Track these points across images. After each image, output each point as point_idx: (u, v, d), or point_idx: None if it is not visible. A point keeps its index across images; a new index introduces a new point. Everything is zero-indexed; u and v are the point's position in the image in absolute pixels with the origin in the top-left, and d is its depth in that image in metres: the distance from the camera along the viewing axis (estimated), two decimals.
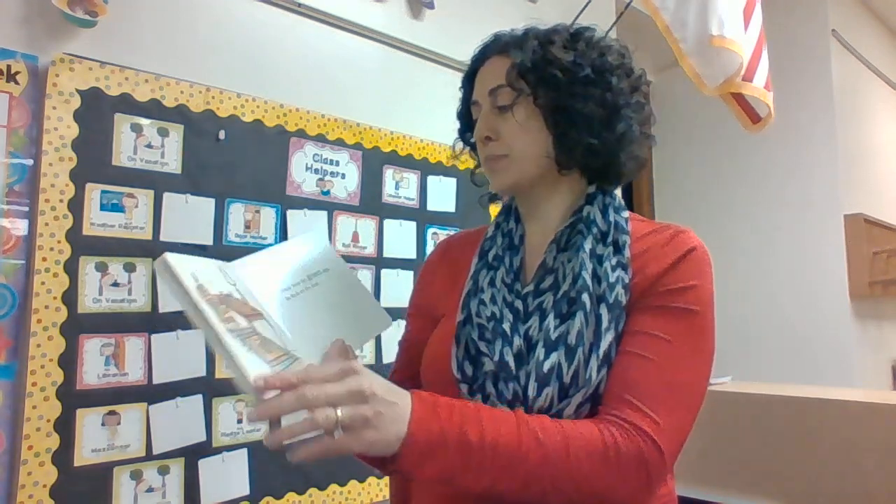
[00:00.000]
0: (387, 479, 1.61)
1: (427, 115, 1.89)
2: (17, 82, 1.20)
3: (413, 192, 1.83)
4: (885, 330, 3.32)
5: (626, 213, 0.85)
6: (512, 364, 0.75)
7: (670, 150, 3.57)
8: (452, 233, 1.00)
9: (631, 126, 0.82)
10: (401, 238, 1.79)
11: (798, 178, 3.16)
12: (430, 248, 1.84)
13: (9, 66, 1.19)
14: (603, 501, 0.69)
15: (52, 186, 1.21)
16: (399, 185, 1.80)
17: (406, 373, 0.94)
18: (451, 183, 1.91)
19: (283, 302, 0.80)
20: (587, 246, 0.79)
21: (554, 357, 0.73)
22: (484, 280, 0.84)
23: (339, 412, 0.59)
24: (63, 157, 1.23)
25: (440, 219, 1.88)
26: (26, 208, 1.20)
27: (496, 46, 0.85)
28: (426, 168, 1.86)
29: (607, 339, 0.73)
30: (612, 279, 0.76)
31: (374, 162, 1.75)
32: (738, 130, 2.12)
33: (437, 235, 1.86)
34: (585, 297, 0.74)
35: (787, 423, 1.60)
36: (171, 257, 0.67)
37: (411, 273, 1.78)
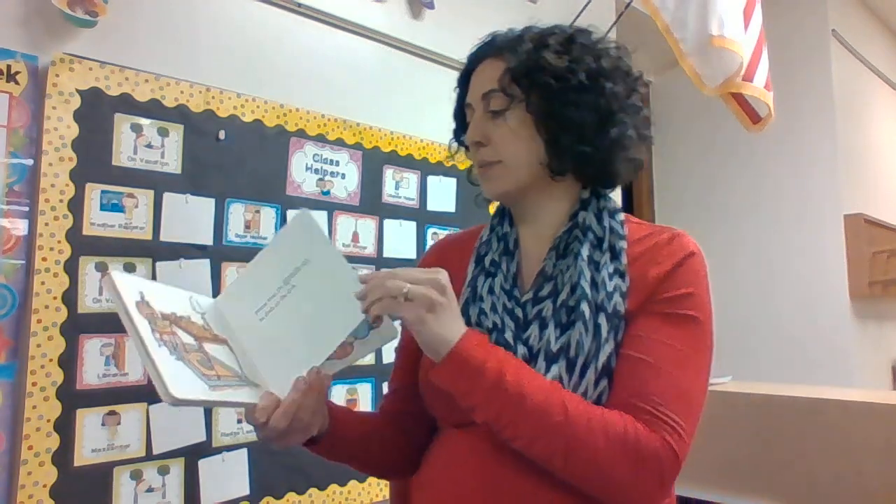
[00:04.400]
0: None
1: (427, 115, 1.88)
2: (17, 82, 1.20)
3: (413, 192, 1.83)
4: (885, 330, 3.32)
5: (622, 216, 0.84)
6: None
7: (670, 150, 3.57)
8: (452, 233, 0.99)
9: (626, 131, 0.82)
10: (401, 238, 1.79)
11: (798, 178, 3.16)
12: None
13: (9, 66, 1.19)
14: (611, 489, 0.69)
15: (52, 186, 1.21)
16: (399, 185, 1.80)
17: (404, 380, 0.92)
18: (451, 183, 1.91)
19: (257, 325, 0.80)
20: (584, 253, 0.78)
21: (555, 370, 0.73)
22: (482, 287, 0.83)
23: (407, 286, 0.68)
24: (63, 157, 1.23)
25: (440, 219, 1.88)
26: (26, 208, 1.20)
27: (491, 48, 0.85)
28: (426, 168, 1.86)
29: (606, 350, 0.73)
30: (609, 288, 0.76)
31: (374, 162, 1.75)
32: (739, 130, 2.12)
33: (437, 235, 1.86)
34: (584, 306, 0.74)
35: (787, 423, 1.60)
36: (118, 276, 0.72)
37: None
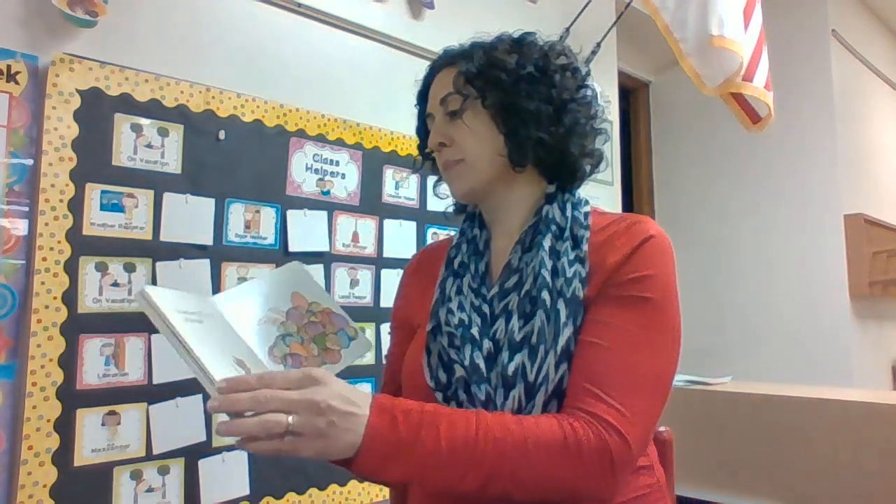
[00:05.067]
0: None
1: None
2: (17, 82, 1.20)
3: (413, 192, 1.83)
4: (885, 330, 3.33)
5: (587, 208, 0.86)
6: (483, 367, 0.76)
7: (670, 149, 3.57)
8: (453, 233, 1.00)
9: (578, 119, 0.85)
10: (401, 238, 1.79)
11: (798, 178, 3.16)
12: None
13: (9, 66, 1.19)
14: (568, 494, 0.69)
15: (52, 186, 1.21)
16: (399, 185, 1.80)
17: (393, 386, 0.95)
18: None
19: (254, 327, 0.87)
20: (546, 244, 0.80)
21: (518, 358, 0.74)
22: (451, 288, 0.85)
23: (290, 419, 0.62)
24: (63, 157, 1.23)
25: (440, 219, 1.87)
26: (26, 208, 1.20)
27: (444, 60, 0.90)
28: (426, 168, 1.85)
29: (565, 334, 0.74)
30: (569, 274, 0.77)
31: (374, 162, 1.75)
32: (738, 130, 2.12)
33: (437, 235, 1.86)
34: (545, 294, 0.76)
35: (787, 423, 1.60)
36: (151, 290, 0.72)
37: None
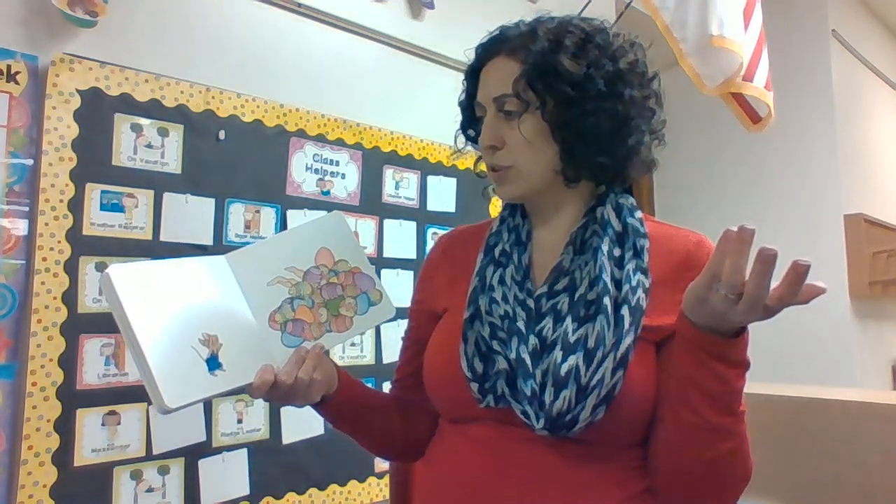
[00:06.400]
0: (386, 479, 1.61)
1: (427, 115, 1.89)
2: (17, 82, 1.20)
3: (413, 192, 1.83)
4: (885, 330, 3.32)
5: (640, 214, 0.83)
6: (529, 362, 0.74)
7: (671, 149, 3.54)
8: (464, 225, 0.99)
9: (642, 137, 0.81)
10: (401, 238, 1.79)
11: (798, 178, 3.16)
12: (430, 249, 1.84)
13: (9, 66, 1.19)
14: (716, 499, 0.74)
15: (52, 186, 1.21)
16: (399, 185, 1.80)
17: (408, 369, 0.94)
18: (451, 183, 1.91)
19: (264, 290, 0.86)
20: (604, 248, 0.77)
21: (572, 360, 0.71)
22: (492, 277, 0.82)
23: None
24: (63, 157, 1.23)
25: (440, 219, 1.88)
26: (26, 208, 1.20)
27: (503, 45, 0.81)
28: (426, 168, 1.86)
29: (626, 342, 0.71)
30: (633, 282, 0.74)
31: (374, 162, 1.75)
32: (739, 130, 2.12)
33: (437, 235, 1.86)
34: (607, 300, 0.73)
35: (787, 423, 1.59)
36: (116, 270, 0.74)
37: (411, 273, 1.78)
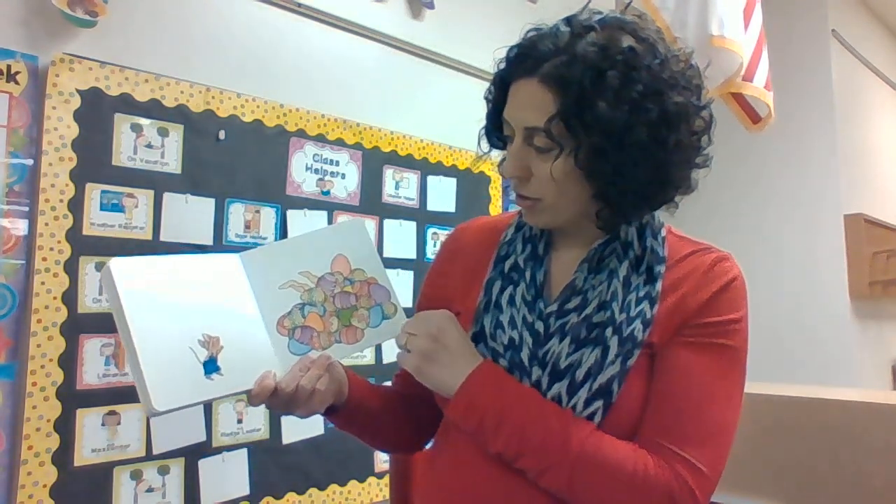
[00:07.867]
0: (387, 478, 1.61)
1: (427, 115, 1.88)
2: (17, 82, 1.20)
3: (413, 192, 1.83)
4: (885, 330, 3.32)
5: (664, 233, 0.79)
6: None
7: None
8: (483, 217, 0.95)
9: (690, 183, 0.75)
10: (401, 238, 1.79)
11: (798, 178, 3.16)
12: (430, 249, 1.84)
13: (9, 66, 1.19)
14: None
15: (52, 186, 1.21)
16: (399, 185, 1.80)
17: None
18: (451, 183, 1.91)
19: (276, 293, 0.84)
20: (622, 273, 0.74)
21: (556, 388, 0.71)
22: (501, 296, 0.78)
23: (405, 338, 0.76)
24: (63, 157, 1.23)
25: (440, 219, 1.87)
26: (26, 208, 1.20)
27: (535, 66, 0.70)
28: (426, 168, 1.86)
29: (608, 372, 0.70)
30: (633, 312, 0.72)
31: (374, 162, 1.75)
32: (738, 130, 2.12)
33: (437, 235, 1.86)
34: (609, 332, 0.71)
35: (787, 423, 1.59)
36: (117, 268, 0.72)
37: (411, 273, 1.78)
